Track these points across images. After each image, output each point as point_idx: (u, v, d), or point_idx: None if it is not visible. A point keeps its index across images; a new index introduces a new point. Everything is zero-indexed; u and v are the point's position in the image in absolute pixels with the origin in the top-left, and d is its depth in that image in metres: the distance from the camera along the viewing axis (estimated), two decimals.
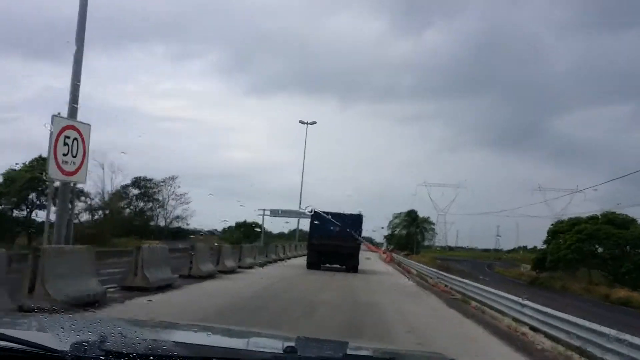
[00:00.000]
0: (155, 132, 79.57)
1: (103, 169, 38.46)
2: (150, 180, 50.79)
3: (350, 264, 22.81)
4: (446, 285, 17.52)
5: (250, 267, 19.57)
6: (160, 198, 49.96)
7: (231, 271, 16.52)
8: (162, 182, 48.44)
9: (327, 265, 23.21)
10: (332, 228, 22.47)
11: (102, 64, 77.33)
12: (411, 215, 75.85)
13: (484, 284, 14.00)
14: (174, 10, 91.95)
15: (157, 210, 49.44)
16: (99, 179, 38.34)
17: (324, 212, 23.31)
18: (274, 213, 55.89)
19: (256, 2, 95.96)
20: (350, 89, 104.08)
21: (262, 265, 21.52)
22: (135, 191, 49.91)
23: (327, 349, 1.88)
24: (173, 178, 49.82)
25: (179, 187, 51.84)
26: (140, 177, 49.60)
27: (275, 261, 26.42)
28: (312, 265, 22.76)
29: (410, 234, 72.13)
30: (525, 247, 79.16)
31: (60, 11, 61.89)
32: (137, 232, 37.83)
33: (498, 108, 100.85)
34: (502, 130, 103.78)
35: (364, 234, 27.14)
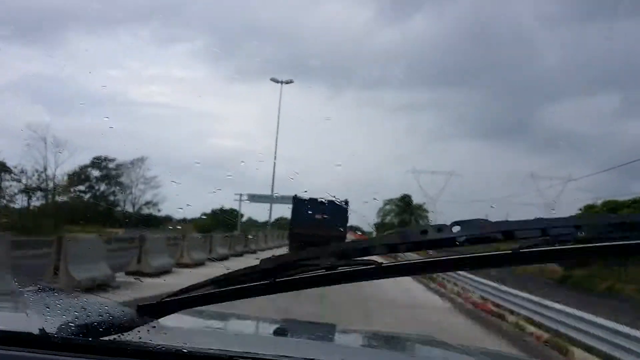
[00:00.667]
0: (139, 118, 74.28)
1: (45, 142, 34.22)
2: (113, 160, 46.92)
3: None
4: (485, 300, 13.25)
5: (224, 258, 18.90)
6: (128, 181, 46.25)
7: (200, 263, 15.78)
8: (130, 163, 44.43)
9: None
10: (315, 216, 21.72)
11: (86, 46, 72.40)
12: (405, 201, 71.81)
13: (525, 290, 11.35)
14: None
15: (124, 194, 45.07)
16: (40, 156, 34.27)
17: (306, 198, 22.30)
18: (253, 198, 52.83)
19: None
20: (339, 77, 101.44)
21: (239, 255, 20.84)
22: (96, 173, 46.56)
23: (316, 331, 1.91)
24: (142, 160, 46.48)
25: (148, 169, 48.47)
26: (101, 157, 45.82)
27: (254, 251, 25.65)
28: None
29: (403, 222, 69.14)
30: None
31: None
32: (97, 220, 33.90)
33: (488, 98, 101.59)
34: (493, 120, 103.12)
35: (351, 222, 26.09)
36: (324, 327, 2.21)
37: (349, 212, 21.45)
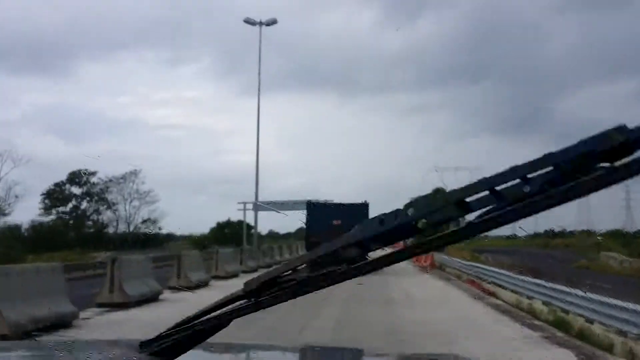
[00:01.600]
0: (153, 141, 79.62)
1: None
2: (94, 174, 44.08)
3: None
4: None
5: (234, 275, 18.17)
6: (120, 197, 43.26)
7: (203, 284, 15.12)
8: (122, 178, 41.43)
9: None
10: (333, 221, 21.02)
11: (91, 74, 78.83)
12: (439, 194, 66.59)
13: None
14: (164, 14, 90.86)
15: (112, 212, 42.19)
16: None
17: (322, 203, 22.01)
18: (258, 207, 49.63)
19: (247, 1, 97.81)
20: (348, 83, 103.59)
21: (253, 271, 20.08)
22: (76, 190, 43.47)
23: (338, 357, 1.96)
24: (135, 173, 44.37)
25: (143, 183, 46.15)
26: (79, 170, 42.81)
27: (270, 265, 24.81)
28: None
29: (437, 223, 64.15)
30: (588, 231, 70.20)
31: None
32: (87, 242, 31.41)
33: (502, 93, 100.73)
34: (508, 114, 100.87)
35: None
36: (347, 352, 2.23)
37: (369, 214, 20.15)
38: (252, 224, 46.77)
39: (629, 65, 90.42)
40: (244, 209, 48.01)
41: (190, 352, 1.28)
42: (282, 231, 62.39)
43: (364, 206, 21.19)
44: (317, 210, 21.19)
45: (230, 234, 47.74)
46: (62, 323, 8.17)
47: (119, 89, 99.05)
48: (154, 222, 47.98)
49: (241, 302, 1.07)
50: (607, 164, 0.81)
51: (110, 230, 43.60)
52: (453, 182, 60.64)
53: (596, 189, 0.82)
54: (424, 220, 0.91)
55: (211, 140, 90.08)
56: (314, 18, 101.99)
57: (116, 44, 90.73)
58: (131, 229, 44.99)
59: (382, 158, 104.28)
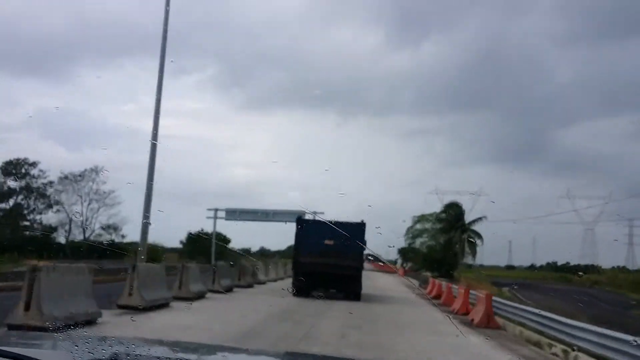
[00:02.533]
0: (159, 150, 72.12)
1: None
2: (34, 164, 38.35)
3: (351, 289, 20.20)
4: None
5: (200, 296, 16.92)
6: (74, 198, 39.79)
7: (161, 305, 13.40)
8: (80, 176, 36.99)
9: (319, 290, 21.04)
10: (325, 241, 19.71)
11: (95, 81, 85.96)
12: (453, 211, 56.99)
13: None
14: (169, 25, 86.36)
15: (55, 212, 38.12)
16: None
17: (313, 220, 20.65)
18: (232, 215, 45.95)
19: (252, 17, 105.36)
20: (349, 104, 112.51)
21: (227, 290, 19.52)
22: (13, 183, 38.09)
23: None
24: (96, 170, 38.70)
25: (104, 183, 41.95)
26: (17, 159, 37.13)
27: (250, 285, 23.52)
28: (299, 290, 19.86)
29: (450, 243, 55.09)
30: (620, 267, 66.84)
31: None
32: (23, 248, 28.24)
33: (501, 122, 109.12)
34: (506, 144, 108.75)
35: (371, 248, 23.89)
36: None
37: (365, 235, 18.98)
38: (230, 235, 44.75)
39: (629, 101, 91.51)
40: (215, 217, 44.69)
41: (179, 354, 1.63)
42: (273, 248, 59.46)
43: (361, 226, 19.11)
44: (307, 228, 19.84)
45: (202, 247, 44.01)
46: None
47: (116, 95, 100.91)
48: (116, 229, 43.47)
49: None
50: None
51: (63, 235, 39.01)
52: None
53: None
54: None
55: (212, 153, 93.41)
56: (318, 36, 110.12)
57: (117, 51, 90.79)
58: (87, 235, 40.42)
59: (380, 178, 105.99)
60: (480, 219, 55.53)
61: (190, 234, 42.48)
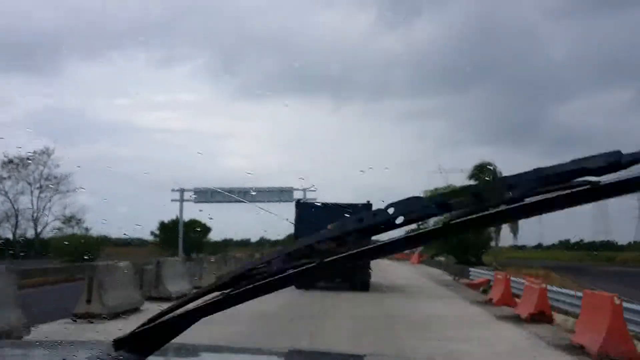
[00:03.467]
0: (149, 144, 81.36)
1: None
2: None
3: (358, 278, 19.59)
4: None
5: (182, 296, 11.40)
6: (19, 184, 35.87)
7: (129, 310, 11.64)
8: (29, 159, 35.32)
9: (322, 281, 19.82)
10: (327, 227, 13.86)
11: (84, 75, 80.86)
12: (485, 175, 45.07)
13: None
14: (154, 13, 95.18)
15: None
16: None
17: (314, 203, 20.07)
18: (202, 196, 41.36)
19: (240, 2, 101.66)
20: (343, 87, 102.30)
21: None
22: None
23: None
24: (47, 152, 34.85)
25: (57, 166, 37.98)
26: None
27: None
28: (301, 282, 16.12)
29: (480, 223, 44.72)
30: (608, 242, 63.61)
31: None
32: None
33: (498, 101, 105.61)
34: (501, 123, 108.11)
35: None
36: (336, 357, 2.39)
37: None
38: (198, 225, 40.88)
39: (625, 74, 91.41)
40: (181, 199, 39.90)
41: (189, 353, 1.60)
42: (273, 238, 56.20)
43: (367, 207, 18.20)
44: (308, 212, 18.82)
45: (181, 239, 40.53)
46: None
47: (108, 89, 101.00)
48: (79, 221, 39.07)
49: (213, 295, 1.13)
50: (593, 178, 0.89)
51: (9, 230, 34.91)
52: (459, 184, 53.99)
53: (578, 202, 0.92)
54: (402, 218, 1.01)
55: (205, 144, 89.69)
56: (309, 19, 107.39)
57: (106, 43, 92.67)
58: (40, 229, 36.29)
59: (378, 162, 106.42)
60: None
61: (163, 223, 39.11)
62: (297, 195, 37.60)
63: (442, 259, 40.92)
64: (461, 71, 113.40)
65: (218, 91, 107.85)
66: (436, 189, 51.34)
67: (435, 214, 0.98)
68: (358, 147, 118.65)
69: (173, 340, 1.19)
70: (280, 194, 39.06)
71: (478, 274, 23.18)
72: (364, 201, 19.19)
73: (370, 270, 19.25)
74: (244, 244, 51.02)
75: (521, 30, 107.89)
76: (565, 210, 0.96)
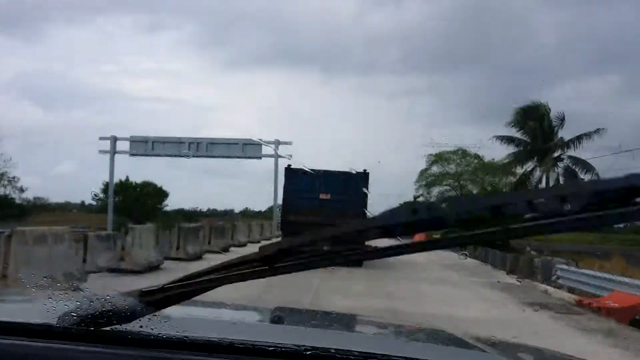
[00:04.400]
0: (132, 112, 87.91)
1: None
2: None
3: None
4: None
5: (154, 267, 14.94)
6: None
7: None
8: None
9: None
10: (320, 195, 18.11)
11: (70, 40, 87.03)
12: (533, 122, 35.76)
13: None
14: None
15: None
16: None
17: (306, 170, 18.20)
18: (139, 147, 36.00)
19: None
20: (332, 62, 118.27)
21: (195, 259, 17.44)
22: None
23: (315, 320, 2.14)
24: None
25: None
26: None
27: (225, 250, 20.83)
28: None
29: (523, 183, 37.13)
30: None
31: None
32: None
33: (487, 82, 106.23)
34: (492, 104, 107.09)
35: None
36: (324, 315, 2.42)
37: (368, 188, 17.86)
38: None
39: (615, 59, 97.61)
40: (112, 151, 33.26)
41: (180, 307, 1.54)
42: (257, 209, 55.15)
43: (363, 177, 17.69)
44: (297, 180, 18.49)
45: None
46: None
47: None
48: (12, 181, 34.96)
49: (254, 265, 1.20)
50: None
51: None
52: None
53: (629, 220, 0.96)
54: (455, 217, 1.04)
55: (191, 115, 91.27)
56: None
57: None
58: None
59: (367, 139, 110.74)
60: (596, 132, 34.57)
61: (105, 184, 33.80)
62: (267, 151, 34.86)
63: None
64: (452, 51, 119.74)
65: (205, 61, 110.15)
66: (446, 151, 43.17)
67: (489, 218, 1.01)
68: (346, 121, 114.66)
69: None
70: (246, 149, 33.68)
71: (573, 275, 14.99)
72: (360, 169, 17.79)
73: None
74: (219, 214, 46.08)
75: (513, 10, 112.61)
76: None
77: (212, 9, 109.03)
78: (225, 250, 21.18)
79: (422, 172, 45.25)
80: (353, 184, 17.77)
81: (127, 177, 37.03)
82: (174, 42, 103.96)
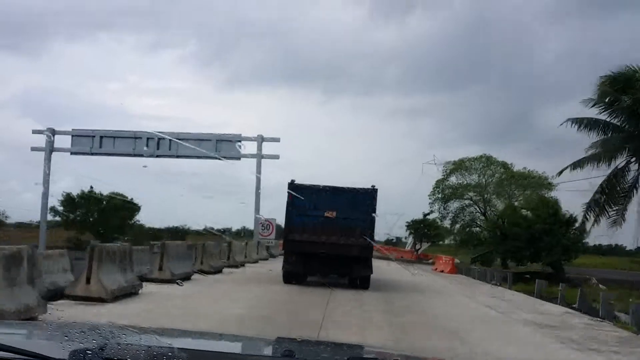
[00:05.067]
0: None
1: None
2: None
3: (357, 273, 18.39)
4: None
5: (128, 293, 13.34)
6: None
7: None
8: None
9: (317, 276, 19.43)
10: (324, 212, 17.68)
11: (73, 57, 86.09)
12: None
13: None
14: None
15: None
16: None
17: (310, 185, 18.18)
18: (83, 144, 28.66)
19: None
20: (333, 81, 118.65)
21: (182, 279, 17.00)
22: None
23: (326, 352, 2.28)
24: None
25: None
26: None
27: (217, 271, 20.35)
28: (290, 276, 18.82)
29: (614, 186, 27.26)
30: None
31: None
32: None
33: (488, 101, 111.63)
34: (493, 124, 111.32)
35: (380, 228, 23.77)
36: (334, 347, 2.58)
37: (376, 206, 17.92)
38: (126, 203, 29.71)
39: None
40: (48, 149, 28.35)
41: (188, 338, 2.26)
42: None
43: (371, 193, 17.70)
44: (302, 196, 17.17)
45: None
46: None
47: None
48: None
49: None
50: None
51: None
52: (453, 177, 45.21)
53: None
54: None
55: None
56: (301, 11, 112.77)
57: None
58: None
59: (366, 158, 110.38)
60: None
61: (69, 195, 28.08)
62: (250, 149, 30.12)
63: (474, 266, 30.57)
64: (453, 70, 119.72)
65: (208, 80, 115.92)
66: (467, 157, 37.64)
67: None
68: (346, 142, 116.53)
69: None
70: (220, 147, 29.24)
71: None
72: (368, 186, 18.18)
73: (371, 265, 18.48)
74: (234, 233, 40.09)
75: (515, 30, 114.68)
76: None
77: (215, 27, 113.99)
78: (218, 271, 21.16)
79: (439, 184, 40.74)
80: (360, 201, 17.78)
81: (92, 187, 31.83)
82: (177, 59, 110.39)
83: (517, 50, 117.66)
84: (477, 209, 39.04)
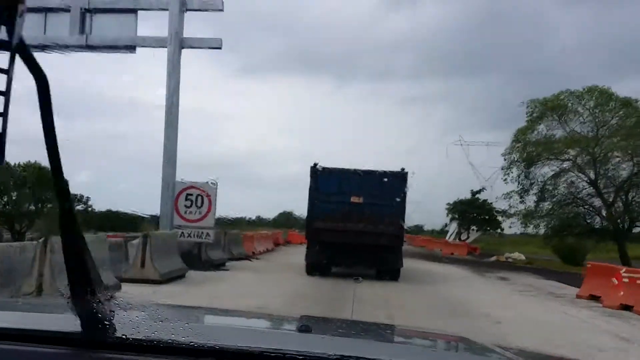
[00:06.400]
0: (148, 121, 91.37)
1: None
2: None
3: (386, 264, 17.12)
4: None
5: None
6: None
7: None
8: None
9: (342, 266, 17.81)
10: (350, 198, 16.60)
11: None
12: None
13: None
14: None
15: None
16: None
17: (334, 168, 17.08)
18: None
19: None
20: (346, 68, 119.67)
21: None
22: None
23: (341, 328, 2.31)
24: None
25: None
26: None
27: (247, 257, 21.15)
28: (314, 267, 17.60)
29: None
30: None
31: None
32: None
33: (504, 88, 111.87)
34: (508, 111, 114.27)
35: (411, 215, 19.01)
36: (351, 324, 2.72)
37: (407, 190, 16.89)
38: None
39: (635, 64, 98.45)
40: None
41: (205, 315, 2.33)
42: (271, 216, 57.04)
43: (400, 177, 16.87)
44: (325, 180, 16.96)
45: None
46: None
47: None
48: None
49: None
50: None
51: None
52: (483, 158, 44.68)
53: None
54: None
55: (206, 123, 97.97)
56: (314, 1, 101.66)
57: None
58: None
59: (380, 145, 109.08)
60: None
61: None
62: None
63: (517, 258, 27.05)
64: (468, 56, 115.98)
65: (221, 68, 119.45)
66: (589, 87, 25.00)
67: None
68: (359, 128, 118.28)
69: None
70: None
71: None
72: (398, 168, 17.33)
73: (401, 255, 17.52)
74: (248, 222, 43.36)
75: (530, 14, 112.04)
76: None
77: (226, 14, 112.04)
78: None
79: (518, 135, 28.81)
80: (389, 186, 16.52)
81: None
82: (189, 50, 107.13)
83: (532, 34, 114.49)
84: (582, 176, 27.77)
